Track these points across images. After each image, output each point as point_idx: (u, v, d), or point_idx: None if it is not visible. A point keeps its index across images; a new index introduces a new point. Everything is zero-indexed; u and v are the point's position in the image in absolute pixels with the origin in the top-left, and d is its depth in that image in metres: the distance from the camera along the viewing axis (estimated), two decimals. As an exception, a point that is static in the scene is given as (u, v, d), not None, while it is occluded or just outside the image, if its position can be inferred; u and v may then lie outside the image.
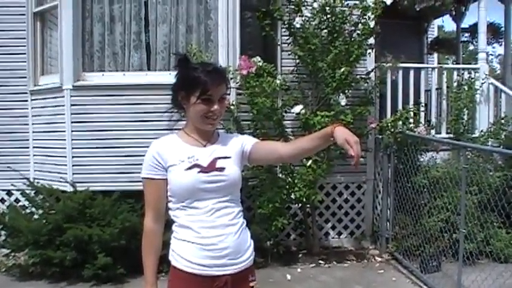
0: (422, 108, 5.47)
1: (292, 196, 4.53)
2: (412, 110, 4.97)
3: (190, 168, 1.75)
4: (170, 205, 1.83)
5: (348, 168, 5.04)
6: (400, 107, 5.31)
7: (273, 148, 1.90)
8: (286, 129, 4.71)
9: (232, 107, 4.55)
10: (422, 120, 5.46)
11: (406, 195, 4.67)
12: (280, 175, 4.65)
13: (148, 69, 4.84)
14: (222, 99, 1.80)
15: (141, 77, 4.72)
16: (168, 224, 1.89)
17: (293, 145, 1.87)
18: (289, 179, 4.57)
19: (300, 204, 4.90)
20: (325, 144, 1.78)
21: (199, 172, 1.75)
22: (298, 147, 1.83)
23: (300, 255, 4.96)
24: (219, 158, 1.81)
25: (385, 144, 4.92)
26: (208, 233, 1.75)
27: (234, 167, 1.83)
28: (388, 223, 5.02)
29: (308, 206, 4.89)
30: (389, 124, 4.82)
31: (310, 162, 4.45)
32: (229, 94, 1.96)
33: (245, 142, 1.91)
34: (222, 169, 1.79)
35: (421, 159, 4.92)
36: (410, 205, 4.61)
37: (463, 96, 5.44)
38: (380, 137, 5.06)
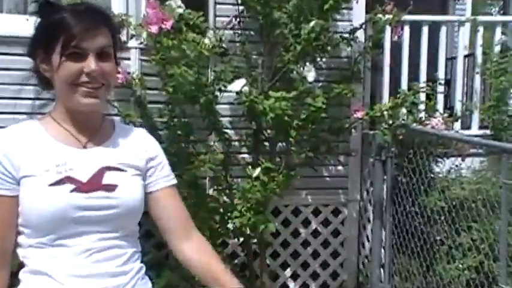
0: (440, 88, 5.35)
1: (230, 225, 4.45)
2: (423, 89, 4.81)
3: (58, 183, 1.73)
4: (20, 240, 1.79)
5: (320, 181, 5.08)
6: (404, 85, 5.27)
7: (172, 227, 1.95)
8: (221, 120, 4.54)
9: (133, 81, 4.46)
10: (440, 106, 5.35)
11: (411, 225, 4.57)
12: (211, 192, 4.57)
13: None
14: (105, 56, 1.78)
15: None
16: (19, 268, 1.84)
17: (198, 253, 1.96)
18: (225, 198, 4.50)
19: (241, 239, 4.83)
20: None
21: (73, 191, 1.74)
22: (198, 263, 1.94)
23: (242, 321, 4.73)
24: (109, 168, 1.81)
25: (378, 146, 4.76)
26: (78, 286, 1.73)
27: (132, 185, 1.84)
28: (382, 270, 4.88)
29: (255, 241, 4.77)
30: (385, 113, 4.63)
31: (258, 171, 4.29)
32: (121, 52, 1.96)
33: (155, 164, 1.93)
34: (112, 188, 1.79)
35: (437, 169, 4.78)
36: (418, 242, 4.47)
37: (510, 69, 5.35)
38: (371, 133, 5.00)
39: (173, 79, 4.16)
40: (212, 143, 4.52)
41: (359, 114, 4.74)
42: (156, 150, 1.95)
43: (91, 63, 1.76)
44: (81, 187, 1.77)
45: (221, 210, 4.44)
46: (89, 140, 1.84)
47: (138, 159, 1.89)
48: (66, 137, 1.82)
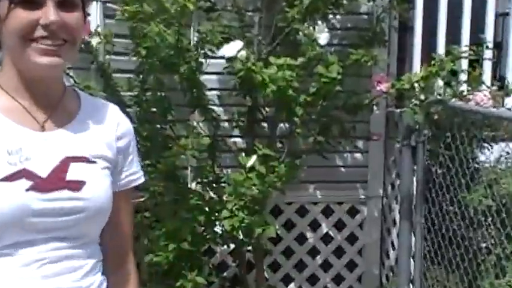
0: (488, 53, 4.96)
1: (218, 228, 4.33)
2: (466, 55, 4.60)
3: (11, 177, 1.66)
4: None
5: (332, 173, 4.98)
6: (441, 50, 5.08)
7: (111, 248, 1.94)
8: (206, 94, 4.41)
9: (94, 43, 4.27)
10: (487, 77, 5.15)
11: (448, 229, 4.39)
12: (194, 185, 4.51)
13: None
14: (68, 4, 1.70)
15: None
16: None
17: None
18: (212, 194, 4.41)
19: (232, 246, 4.71)
20: None
21: (29, 190, 1.66)
22: None
23: None
24: (75, 159, 1.74)
25: (407, 128, 4.52)
26: None
27: (102, 181, 1.80)
28: (411, 286, 4.64)
29: (249, 248, 4.67)
30: (416, 85, 4.38)
31: (253, 159, 4.17)
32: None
33: (123, 164, 1.90)
34: (78, 185, 1.73)
35: (482, 158, 4.60)
36: (458, 250, 4.27)
37: None
38: (397, 111, 4.77)
39: (147, 40, 4.05)
40: (195, 124, 4.39)
41: (382, 87, 4.43)
42: (129, 137, 1.92)
43: (49, 13, 1.69)
44: (40, 184, 1.71)
45: (207, 209, 4.30)
46: (48, 119, 1.77)
47: (109, 147, 1.85)
48: (20, 114, 1.75)
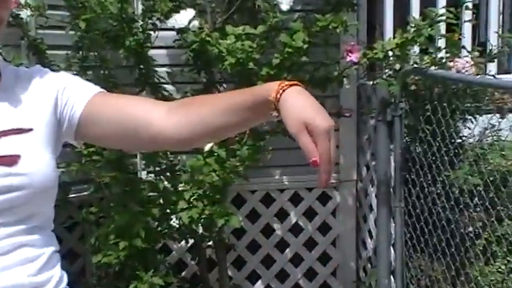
0: (468, 15, 5.13)
1: (174, 222, 4.39)
2: (443, 18, 4.36)
3: None
4: None
5: (299, 155, 4.58)
6: (415, 13, 5.24)
7: (139, 115, 1.86)
8: (156, 70, 4.44)
9: (24, 16, 4.20)
10: (467, 42, 5.32)
11: (432, 212, 4.46)
12: (144, 174, 4.58)
13: None
14: None
15: None
16: None
17: (188, 110, 1.84)
18: (166, 183, 4.43)
19: (190, 241, 4.73)
20: (258, 119, 1.81)
21: None
22: (198, 117, 1.80)
23: None
24: (5, 133, 1.74)
25: (382, 101, 4.53)
26: None
27: (40, 153, 1.77)
28: (392, 278, 4.65)
29: (210, 243, 4.69)
30: (391, 53, 4.34)
31: (211, 143, 4.14)
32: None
33: (67, 93, 1.87)
34: (13, 160, 1.72)
35: (466, 132, 4.72)
36: (443, 235, 4.35)
37: None
38: (370, 83, 4.91)
39: (85, 11, 4.02)
40: (144, 104, 4.23)
41: (353, 57, 4.31)
42: (60, 76, 1.88)
43: None
44: None
45: (161, 200, 4.33)
46: None
47: (44, 111, 1.82)
48: None
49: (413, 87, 4.61)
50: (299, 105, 1.61)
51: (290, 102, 1.61)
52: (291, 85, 1.63)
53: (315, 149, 1.58)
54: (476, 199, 4.37)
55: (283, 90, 1.63)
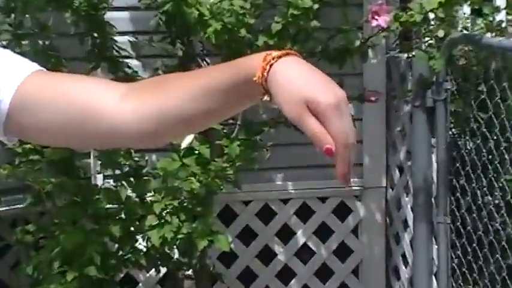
0: None
1: (140, 243, 4.17)
2: None
3: None
4: None
5: (309, 155, 4.40)
6: None
7: (86, 101, 1.63)
8: (115, 39, 4.18)
9: None
10: None
11: (487, 230, 4.23)
12: (100, 179, 4.52)
13: None
14: None
15: None
16: None
17: (149, 93, 1.60)
18: (130, 192, 4.21)
19: (162, 269, 4.52)
20: (245, 104, 1.53)
21: None
22: (162, 103, 1.57)
23: None
24: None
25: (419, 80, 4.35)
26: None
27: None
28: None
29: (189, 273, 4.42)
30: (432, 16, 4.24)
31: (190, 137, 3.94)
32: None
33: None
34: None
35: None
36: (504, 261, 4.12)
37: None
38: (404, 56, 4.68)
39: None
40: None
41: (381, 21, 4.03)
42: None
43: None
44: None
45: (122, 215, 4.09)
46: None
47: None
48: None
49: (462, 62, 4.37)
50: (294, 80, 1.34)
51: (281, 79, 1.34)
52: (280, 56, 1.32)
53: (325, 133, 1.28)
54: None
55: (271, 66, 1.31)
